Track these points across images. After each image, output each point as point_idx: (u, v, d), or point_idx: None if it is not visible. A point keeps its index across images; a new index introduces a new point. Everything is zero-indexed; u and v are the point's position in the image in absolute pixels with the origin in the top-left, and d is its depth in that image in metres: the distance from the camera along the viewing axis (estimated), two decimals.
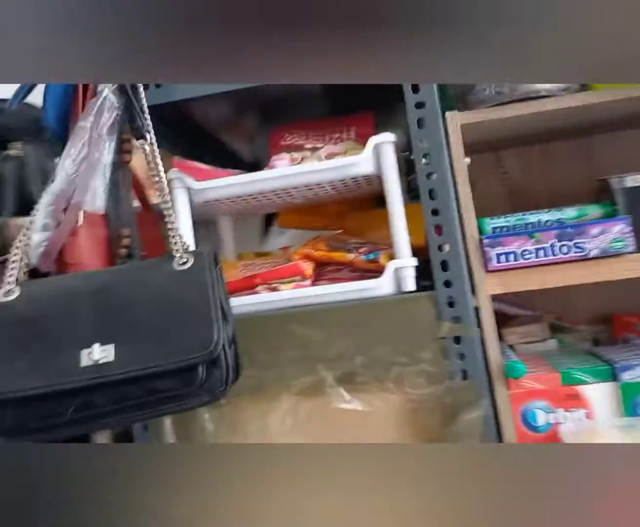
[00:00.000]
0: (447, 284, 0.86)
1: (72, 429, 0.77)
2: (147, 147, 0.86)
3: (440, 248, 0.86)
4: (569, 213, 0.88)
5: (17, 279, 0.84)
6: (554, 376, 0.86)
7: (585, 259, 0.83)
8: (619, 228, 0.82)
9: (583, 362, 0.91)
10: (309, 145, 0.98)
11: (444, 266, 0.86)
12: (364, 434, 0.90)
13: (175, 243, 0.83)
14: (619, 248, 0.82)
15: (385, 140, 0.88)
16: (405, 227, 0.88)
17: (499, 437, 0.86)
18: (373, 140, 0.88)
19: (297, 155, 0.95)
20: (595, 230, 0.82)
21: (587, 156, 1.18)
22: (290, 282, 0.93)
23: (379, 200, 1.19)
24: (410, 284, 0.87)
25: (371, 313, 0.88)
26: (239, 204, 0.99)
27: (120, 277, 0.81)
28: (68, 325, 0.77)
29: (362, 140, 0.99)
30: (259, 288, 0.94)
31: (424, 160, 0.86)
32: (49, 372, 0.74)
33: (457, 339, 0.86)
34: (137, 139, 0.88)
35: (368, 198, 1.16)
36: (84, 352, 0.75)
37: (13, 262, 0.84)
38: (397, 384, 0.88)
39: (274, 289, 0.93)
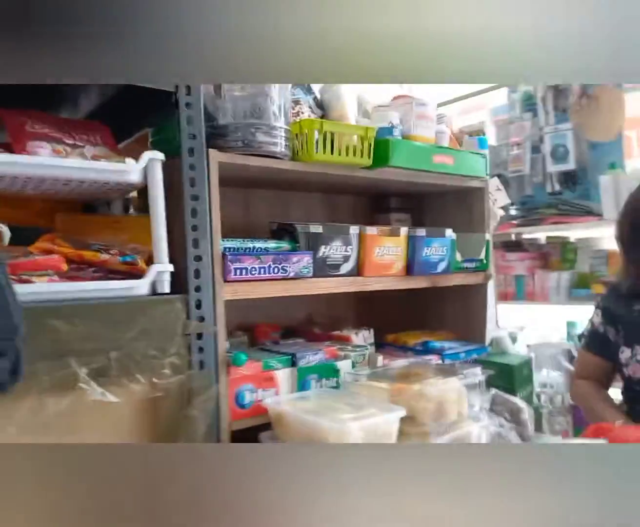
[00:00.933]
0: (197, 289, 1.03)
1: None
2: None
3: (195, 258, 1.03)
4: (272, 244, 1.19)
5: None
6: (256, 364, 1.14)
7: (286, 278, 1.16)
8: (306, 259, 1.19)
9: (269, 354, 1.22)
10: (68, 141, 0.96)
11: (197, 274, 1.03)
12: (113, 425, 0.96)
13: None
14: (306, 273, 1.18)
15: (157, 157, 0.99)
16: (164, 236, 1.00)
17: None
18: (147, 154, 0.98)
19: (59, 147, 0.94)
20: (294, 258, 1.17)
21: (251, 203, 1.51)
22: (43, 275, 0.91)
23: (85, 205, 1.23)
24: (166, 287, 1.00)
25: (129, 311, 0.96)
26: None
27: None
28: None
29: (112, 149, 1.06)
30: None
31: (189, 184, 1.02)
32: None
33: (199, 336, 1.04)
34: None
35: (74, 201, 1.18)
36: None
37: None
38: (146, 375, 0.98)
39: (25, 281, 0.89)
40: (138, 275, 0.99)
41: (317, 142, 1.16)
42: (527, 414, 1.34)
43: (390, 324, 1.67)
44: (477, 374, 1.19)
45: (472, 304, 1.64)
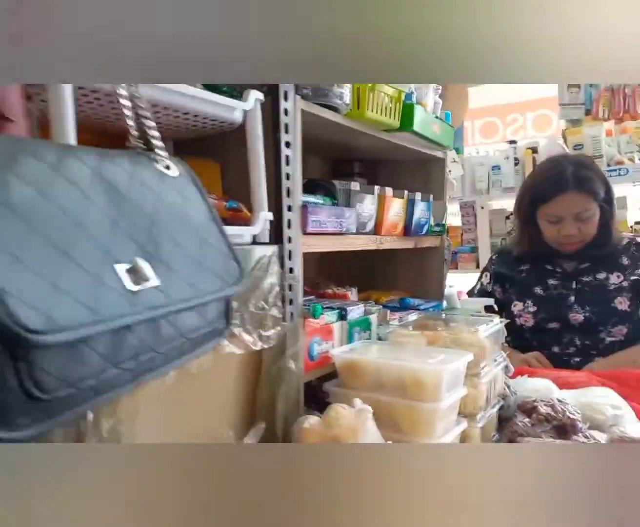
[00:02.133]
0: (289, 239, 1.01)
1: (119, 390, 0.50)
2: None
3: (289, 208, 1.00)
4: (320, 199, 1.19)
5: None
6: (321, 317, 1.15)
7: (341, 233, 1.17)
8: (354, 215, 1.22)
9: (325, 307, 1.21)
10: None
11: (289, 224, 1.00)
12: (233, 377, 0.91)
13: (152, 138, 0.64)
14: (352, 229, 1.21)
15: (260, 97, 0.94)
16: (264, 183, 0.96)
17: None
18: (253, 93, 0.92)
19: None
20: (347, 213, 1.19)
21: None
22: None
23: None
24: (267, 236, 0.96)
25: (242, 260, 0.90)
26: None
27: (112, 167, 0.56)
28: (90, 227, 0.49)
29: None
30: None
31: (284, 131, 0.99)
32: (88, 297, 0.46)
33: (289, 287, 1.02)
34: None
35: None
36: (120, 269, 0.51)
37: None
38: (254, 327, 0.94)
39: None
40: (240, 222, 0.93)
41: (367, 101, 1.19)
42: None
43: (348, 284, 1.75)
44: (498, 323, 1.35)
45: (430, 265, 1.81)
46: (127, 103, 0.62)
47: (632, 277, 1.77)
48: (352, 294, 1.54)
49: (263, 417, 0.98)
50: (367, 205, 1.29)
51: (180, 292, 0.55)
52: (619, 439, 1.26)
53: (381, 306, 1.41)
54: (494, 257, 2.14)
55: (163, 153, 0.62)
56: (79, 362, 0.44)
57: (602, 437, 1.26)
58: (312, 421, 0.94)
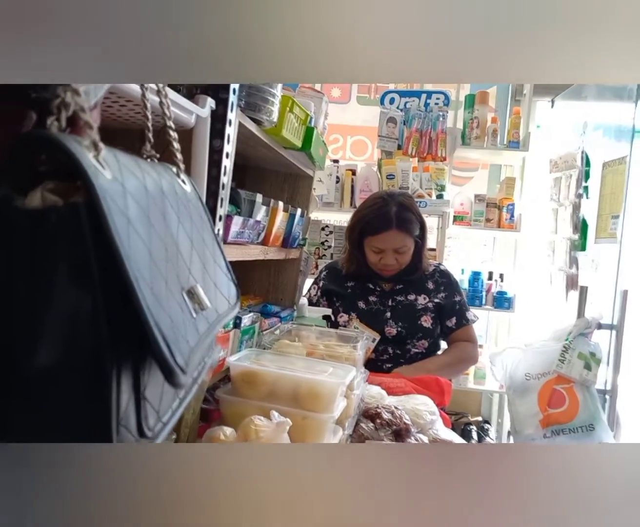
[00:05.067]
0: None
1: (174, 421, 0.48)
2: None
3: (220, 218, 1.00)
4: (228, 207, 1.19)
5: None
6: None
7: (244, 242, 1.19)
8: (257, 226, 1.24)
9: None
10: None
11: (218, 233, 1.00)
12: None
13: (176, 151, 0.62)
14: (255, 239, 1.24)
15: (213, 106, 0.92)
16: (204, 191, 0.94)
17: None
18: (209, 100, 0.91)
19: None
20: (253, 224, 1.21)
21: None
22: None
23: None
24: None
25: None
26: None
27: (165, 183, 0.54)
28: (169, 250, 0.48)
29: None
30: None
31: (226, 142, 0.98)
32: (183, 330, 0.46)
33: None
34: None
35: None
36: (186, 297, 0.51)
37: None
38: None
39: None
40: None
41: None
42: None
43: None
44: (365, 339, 1.48)
45: (287, 274, 1.89)
46: (149, 110, 0.58)
47: (435, 300, 2.09)
48: None
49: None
50: (263, 217, 1.33)
51: (212, 317, 0.54)
52: (433, 440, 1.50)
53: (259, 314, 1.45)
54: (324, 272, 2.32)
55: (182, 166, 0.60)
56: (166, 396, 0.42)
57: (425, 439, 1.48)
58: (227, 432, 0.95)
